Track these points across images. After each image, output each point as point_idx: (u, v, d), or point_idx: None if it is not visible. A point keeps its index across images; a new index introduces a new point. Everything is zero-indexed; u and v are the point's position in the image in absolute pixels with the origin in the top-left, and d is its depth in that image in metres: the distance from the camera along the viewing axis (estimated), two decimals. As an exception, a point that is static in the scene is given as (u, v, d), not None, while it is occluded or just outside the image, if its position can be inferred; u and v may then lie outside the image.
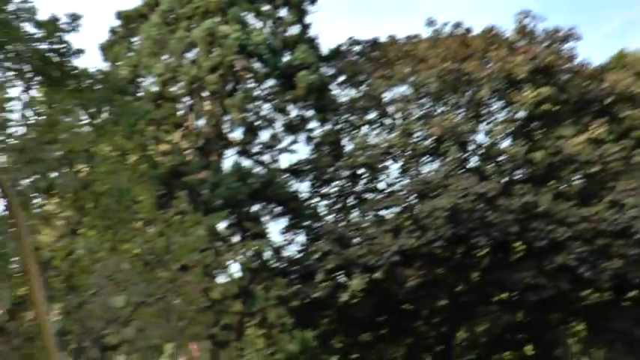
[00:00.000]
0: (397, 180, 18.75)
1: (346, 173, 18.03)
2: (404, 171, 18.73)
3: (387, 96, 18.59)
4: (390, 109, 19.01)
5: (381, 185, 19.24)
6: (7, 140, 9.01)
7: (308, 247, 16.68)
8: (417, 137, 17.39)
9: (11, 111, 10.37)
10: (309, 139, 20.18)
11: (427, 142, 17.10)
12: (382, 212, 16.70)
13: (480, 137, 17.69)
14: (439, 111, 18.06)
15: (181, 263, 7.24)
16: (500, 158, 17.27)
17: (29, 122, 8.06)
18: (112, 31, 19.32)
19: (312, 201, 19.51)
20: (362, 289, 14.29)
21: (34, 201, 8.33)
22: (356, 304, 16.06)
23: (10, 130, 9.99)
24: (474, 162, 17.55)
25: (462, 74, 16.82)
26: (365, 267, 14.15)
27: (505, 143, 17.45)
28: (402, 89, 18.31)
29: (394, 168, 18.23)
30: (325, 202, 19.82)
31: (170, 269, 7.29)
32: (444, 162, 16.31)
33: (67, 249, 6.75)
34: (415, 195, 15.46)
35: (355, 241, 14.62)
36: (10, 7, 11.19)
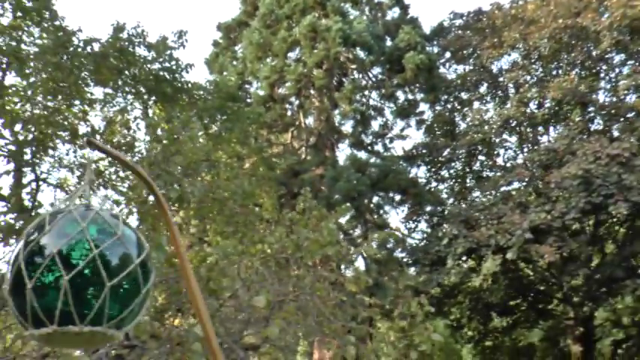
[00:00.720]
0: (518, 153, 17.84)
1: (463, 153, 17.38)
2: (524, 142, 17.79)
3: (497, 66, 17.70)
4: (502, 79, 18.10)
5: (500, 161, 18.41)
6: (136, 158, 9.51)
7: (433, 233, 16.27)
8: (535, 104, 16.38)
9: (134, 130, 10.90)
10: (420, 122, 19.80)
11: (545, 109, 16.04)
12: (506, 188, 15.90)
13: (602, 96, 16.34)
14: (554, 74, 16.91)
15: (314, 259, 7.15)
16: (629, 115, 15.82)
17: (152, 139, 8.40)
18: (215, 43, 20.01)
19: (431, 185, 19.09)
20: (494, 272, 13.65)
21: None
22: (488, 288, 15.43)
23: (138, 149, 10.53)
24: (598, 123, 16.25)
25: (577, 30, 15.61)
26: (496, 248, 13.50)
27: (631, 98, 15.97)
28: (513, 57, 17.37)
29: (513, 141, 17.32)
30: (444, 185, 19.31)
31: (303, 266, 7.24)
32: (566, 127, 15.22)
33: (199, 256, 6.86)
34: (540, 166, 14.52)
35: (482, 221, 14.01)
36: (124, 35, 11.75)
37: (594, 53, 16.14)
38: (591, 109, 16.04)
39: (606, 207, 12.85)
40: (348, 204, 13.01)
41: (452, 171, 19.13)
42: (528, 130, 17.23)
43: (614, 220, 14.47)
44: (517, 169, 15.36)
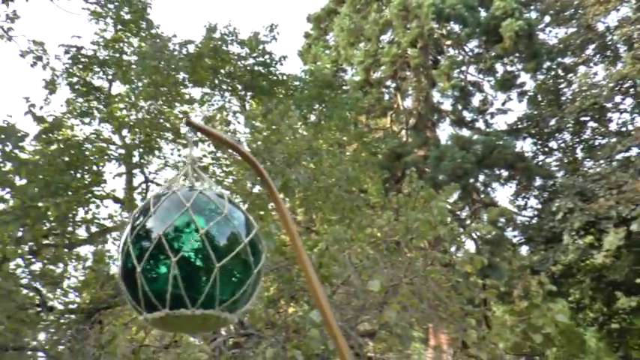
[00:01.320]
0: (634, 116, 16.43)
1: (571, 121, 16.25)
2: None
3: (604, 25, 16.38)
4: (611, 37, 16.74)
5: (613, 126, 17.08)
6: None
7: (545, 209, 15.33)
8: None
9: (234, 124, 11.10)
10: (522, 94, 18.84)
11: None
12: (624, 155, 14.67)
13: None
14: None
15: (425, 241, 6.89)
16: None
17: (252, 131, 8.47)
18: (306, 35, 20.06)
19: (538, 159, 18.08)
20: (618, 247, 12.60)
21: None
22: (611, 265, 14.26)
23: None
24: None
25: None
26: (618, 220, 12.46)
27: None
28: (623, 11, 16.00)
29: (628, 103, 15.97)
30: (553, 157, 18.22)
31: (415, 249, 7.00)
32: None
33: (307, 244, 6.80)
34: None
35: (599, 192, 12.98)
36: (217, 35, 11.98)
37: None
38: None
39: None
40: (455, 183, 12.53)
41: (560, 142, 17.97)
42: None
43: None
44: (636, 132, 14.11)
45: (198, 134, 2.22)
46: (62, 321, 6.06)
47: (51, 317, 6.21)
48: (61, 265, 6.83)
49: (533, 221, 15.91)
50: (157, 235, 1.77)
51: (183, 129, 9.78)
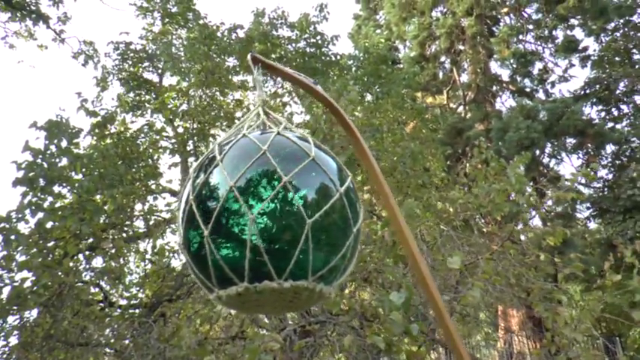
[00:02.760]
0: None
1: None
2: None
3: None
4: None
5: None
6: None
7: (622, 176, 14.31)
8: None
9: (290, 105, 10.74)
10: (585, 59, 17.76)
11: None
12: None
13: None
14: None
15: (502, 213, 6.33)
16: None
17: (309, 109, 8.08)
18: (355, 16, 19.54)
19: (608, 125, 16.97)
20: None
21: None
22: None
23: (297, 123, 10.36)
24: None
25: None
26: None
27: None
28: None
29: None
30: (624, 122, 17.07)
31: (491, 222, 6.45)
32: None
33: (374, 225, 6.33)
34: None
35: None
36: (265, 20, 11.66)
37: None
38: None
39: None
40: (526, 152, 11.81)
41: (631, 105, 16.79)
42: None
43: None
44: None
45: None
46: (126, 316, 5.84)
47: (115, 313, 6.00)
48: (121, 260, 6.63)
49: (606, 192, 14.89)
50: (227, 189, 1.36)
51: (238, 115, 9.50)
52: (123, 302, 6.56)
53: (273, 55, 11.80)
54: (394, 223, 1.93)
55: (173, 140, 8.68)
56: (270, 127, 1.58)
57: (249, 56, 1.77)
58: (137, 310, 6.36)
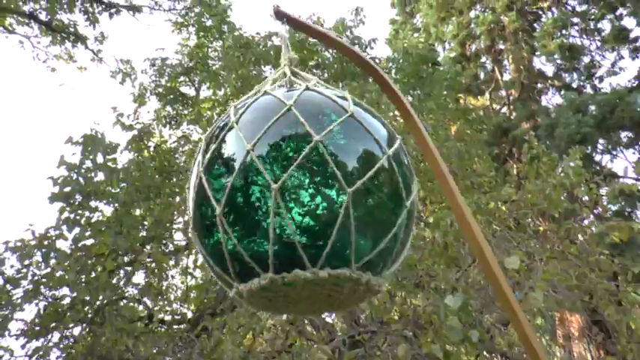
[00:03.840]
0: None
1: None
2: None
3: None
4: None
5: None
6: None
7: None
8: None
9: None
10: (635, 50, 16.95)
11: None
12: None
13: None
14: None
15: (560, 210, 5.87)
16: None
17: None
18: (392, 21, 19.24)
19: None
20: None
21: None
22: None
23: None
24: None
25: None
26: None
27: None
28: None
29: None
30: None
31: (547, 221, 6.00)
32: None
33: (424, 231, 5.95)
34: None
35: None
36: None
37: None
38: None
39: None
40: (579, 147, 11.22)
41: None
42: None
43: None
44: None
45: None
46: (170, 332, 5.64)
47: (159, 329, 5.82)
48: (162, 274, 6.46)
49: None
50: (244, 154, 1.07)
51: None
52: (167, 318, 6.39)
53: (311, 63, 11.64)
54: (456, 210, 1.60)
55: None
56: (299, 85, 1.28)
57: (272, 9, 1.48)
58: (182, 326, 6.18)
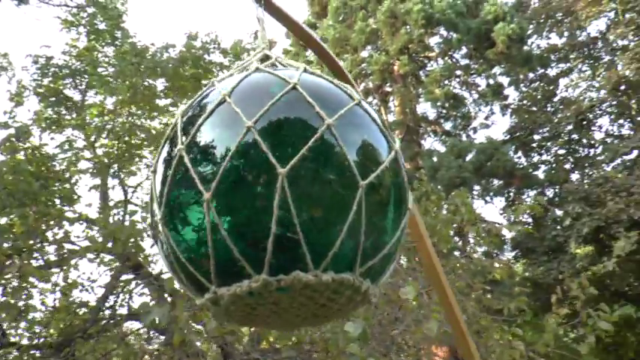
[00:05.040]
0: (625, 121, 15.98)
1: (569, 126, 15.75)
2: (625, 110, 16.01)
3: (596, 29, 16.10)
4: (601, 45, 16.48)
5: (599, 135, 16.68)
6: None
7: (547, 217, 14.47)
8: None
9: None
10: (506, 106, 18.38)
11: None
12: (627, 157, 14.15)
13: None
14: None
15: (449, 245, 6.06)
16: None
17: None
18: (285, 51, 19.42)
19: (529, 169, 17.47)
20: (630, 252, 11.88)
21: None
22: (611, 272, 13.46)
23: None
24: None
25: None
26: (629, 224, 11.78)
27: None
28: (612, 14, 15.71)
29: (631, 103, 15.56)
30: (544, 167, 17.66)
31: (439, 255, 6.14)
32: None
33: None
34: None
35: (607, 196, 12.35)
36: (198, 44, 11.28)
37: None
38: None
39: None
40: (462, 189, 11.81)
41: (553, 150, 17.40)
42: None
43: None
44: (638, 133, 13.55)
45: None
46: (25, 357, 5.06)
47: (14, 353, 5.21)
48: (24, 293, 5.79)
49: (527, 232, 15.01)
50: (243, 132, 0.91)
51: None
52: (25, 342, 5.72)
53: (204, 81, 11.30)
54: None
55: (96, 160, 7.95)
56: (290, 67, 1.13)
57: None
58: (39, 352, 5.56)
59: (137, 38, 10.22)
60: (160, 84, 10.02)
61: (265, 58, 1.20)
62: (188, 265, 0.94)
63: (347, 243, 0.91)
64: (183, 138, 0.96)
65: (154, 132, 9.21)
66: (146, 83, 9.21)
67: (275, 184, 0.87)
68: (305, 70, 1.06)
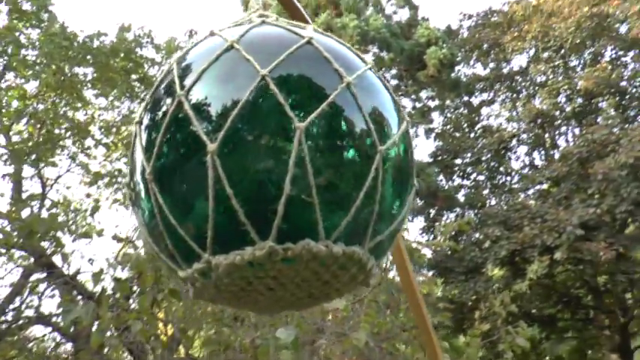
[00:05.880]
0: (552, 148, 16.76)
1: (490, 154, 16.38)
2: (539, 146, 16.87)
3: (518, 62, 16.90)
4: (521, 78, 17.32)
5: (517, 165, 17.48)
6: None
7: (467, 239, 14.88)
8: (564, 98, 15.49)
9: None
10: (430, 130, 18.87)
11: (578, 101, 15.11)
12: (541, 187, 14.86)
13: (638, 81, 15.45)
14: (580, 65, 16.18)
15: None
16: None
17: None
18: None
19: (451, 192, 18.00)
20: (542, 275, 12.46)
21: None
22: (522, 294, 14.02)
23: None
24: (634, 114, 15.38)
25: (602, 18, 14.85)
26: (542, 248, 12.33)
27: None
28: (532, 52, 16.56)
29: (546, 137, 16.39)
30: (464, 191, 18.24)
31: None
32: (606, 117, 14.25)
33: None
34: (579, 159, 13.40)
35: (524, 222, 12.89)
36: (130, 36, 10.95)
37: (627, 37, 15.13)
38: (625, 98, 15.13)
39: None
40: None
41: (473, 176, 18.01)
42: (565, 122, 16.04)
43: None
44: (555, 163, 14.23)
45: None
46: None
47: None
48: None
49: (448, 252, 15.36)
50: (258, 80, 0.80)
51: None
52: None
53: (134, 76, 10.95)
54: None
55: (10, 148, 7.45)
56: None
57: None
58: None
59: (66, 24, 9.73)
60: (88, 73, 9.61)
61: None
62: (179, 229, 0.83)
63: (361, 212, 0.83)
64: (184, 84, 0.85)
65: (77, 122, 8.78)
66: (74, 71, 8.80)
67: (290, 140, 0.78)
68: (315, 30, 0.98)
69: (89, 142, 8.66)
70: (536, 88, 16.44)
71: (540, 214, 12.73)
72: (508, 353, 5.98)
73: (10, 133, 7.93)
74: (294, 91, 0.83)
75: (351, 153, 0.84)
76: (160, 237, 0.87)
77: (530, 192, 15.45)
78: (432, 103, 18.67)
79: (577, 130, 15.87)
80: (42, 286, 5.76)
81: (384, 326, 4.92)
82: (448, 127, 18.84)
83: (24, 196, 7.71)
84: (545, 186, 14.66)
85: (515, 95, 17.42)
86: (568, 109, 15.15)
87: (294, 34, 0.91)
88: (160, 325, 4.51)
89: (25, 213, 5.55)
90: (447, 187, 16.52)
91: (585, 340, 16.25)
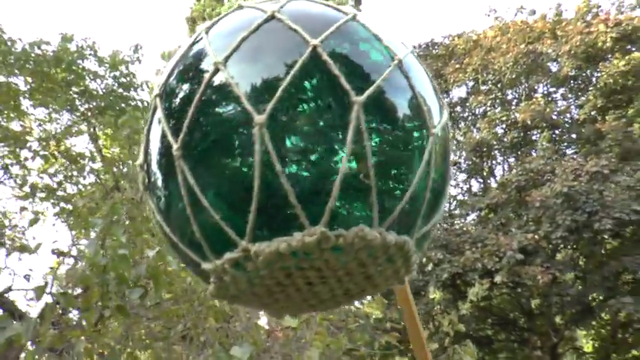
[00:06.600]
0: (489, 176, 17.24)
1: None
2: (476, 173, 17.39)
3: (458, 93, 17.42)
4: (462, 108, 17.85)
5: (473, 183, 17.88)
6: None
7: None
8: (502, 129, 16.03)
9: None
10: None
11: (513, 133, 15.64)
12: (481, 213, 15.23)
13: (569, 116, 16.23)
14: (517, 99, 16.86)
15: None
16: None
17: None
18: (157, 72, 18.87)
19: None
20: (482, 297, 12.74)
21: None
22: (462, 316, 14.28)
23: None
24: (566, 146, 16.11)
25: (536, 55, 15.61)
26: (483, 272, 12.60)
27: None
28: (471, 84, 17.11)
29: (484, 166, 16.87)
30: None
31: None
32: (542, 148, 14.84)
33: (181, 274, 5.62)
34: (517, 187, 13.87)
35: (465, 246, 13.15)
36: (73, 47, 10.66)
37: (558, 75, 15.90)
38: (558, 131, 15.84)
39: (591, 225, 12.32)
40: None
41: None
42: (502, 152, 16.57)
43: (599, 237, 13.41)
44: (493, 191, 14.65)
45: None
46: None
47: None
48: None
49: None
50: (309, 51, 0.73)
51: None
52: None
53: (75, 89, 10.60)
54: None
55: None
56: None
57: None
58: None
59: (3, 30, 9.38)
60: (25, 83, 9.24)
61: None
62: (213, 212, 0.73)
63: (414, 199, 0.76)
64: (221, 53, 0.76)
65: (12, 132, 8.39)
66: (10, 79, 8.44)
67: (346, 115, 0.71)
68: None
69: (25, 153, 8.25)
70: (477, 118, 16.93)
71: (481, 239, 13.02)
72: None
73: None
74: (345, 64, 0.76)
75: (405, 133, 0.77)
76: (184, 223, 0.77)
77: (469, 218, 15.81)
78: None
79: (512, 160, 16.43)
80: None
81: (336, 345, 4.84)
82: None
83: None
84: (482, 212, 15.01)
85: (455, 125, 17.89)
86: (506, 139, 15.66)
87: (335, 10, 0.85)
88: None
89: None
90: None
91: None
